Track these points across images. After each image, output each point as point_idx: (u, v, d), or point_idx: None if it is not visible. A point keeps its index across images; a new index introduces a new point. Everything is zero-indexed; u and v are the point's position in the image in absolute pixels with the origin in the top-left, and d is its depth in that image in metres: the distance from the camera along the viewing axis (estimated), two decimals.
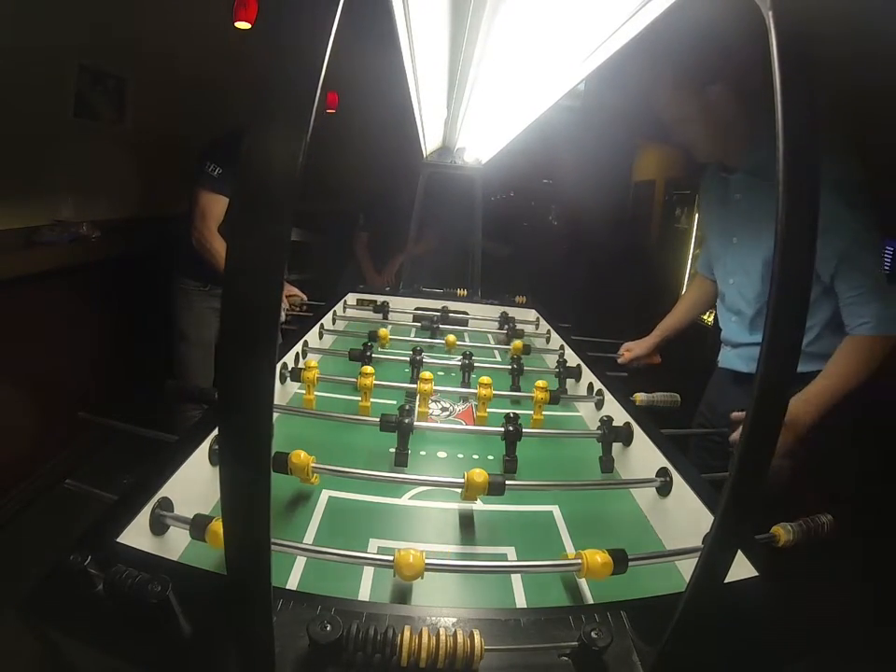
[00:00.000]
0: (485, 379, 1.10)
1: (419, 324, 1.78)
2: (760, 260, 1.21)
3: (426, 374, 1.09)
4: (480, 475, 0.72)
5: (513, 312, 1.92)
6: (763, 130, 1.16)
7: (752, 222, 1.22)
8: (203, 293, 1.97)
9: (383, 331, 1.49)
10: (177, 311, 1.99)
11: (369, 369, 1.10)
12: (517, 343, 1.52)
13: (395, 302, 1.91)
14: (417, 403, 1.10)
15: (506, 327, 1.76)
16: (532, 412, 1.12)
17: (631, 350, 1.57)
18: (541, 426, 1.10)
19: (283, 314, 1.70)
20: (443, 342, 1.52)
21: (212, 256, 1.77)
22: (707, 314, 2.45)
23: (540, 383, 1.11)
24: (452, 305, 1.91)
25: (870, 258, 1.09)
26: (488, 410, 1.12)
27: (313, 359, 1.17)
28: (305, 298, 1.90)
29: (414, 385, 1.17)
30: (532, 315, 1.93)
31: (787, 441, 1.07)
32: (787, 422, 1.10)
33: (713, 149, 1.24)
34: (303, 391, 1.11)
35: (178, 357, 2.01)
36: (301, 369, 1.11)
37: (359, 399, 1.09)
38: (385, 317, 1.85)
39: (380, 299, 1.89)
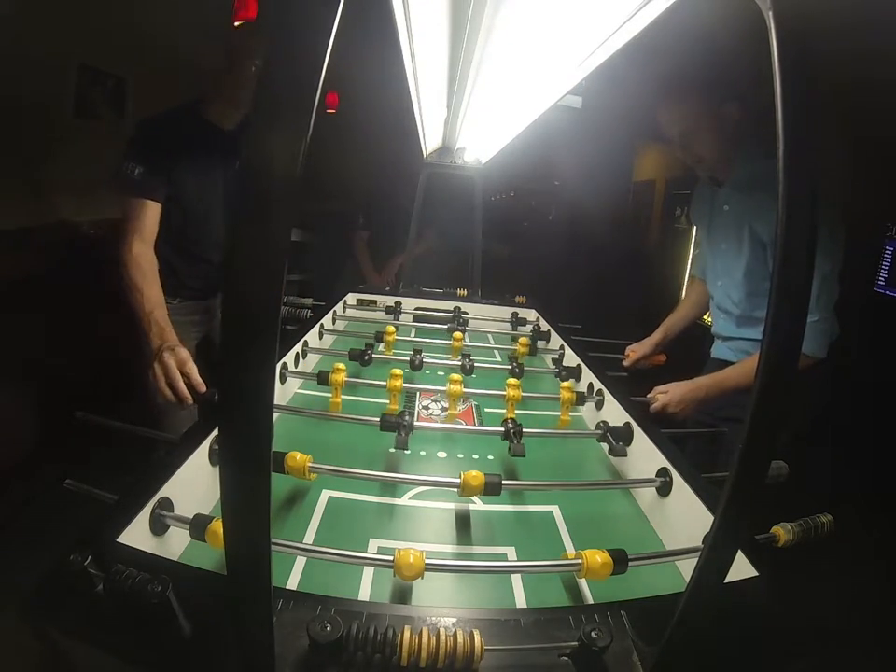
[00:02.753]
0: (513, 381, 1.09)
1: (437, 325, 1.77)
2: (742, 267, 1.28)
3: (455, 376, 1.08)
4: (476, 476, 0.72)
5: (512, 312, 1.93)
6: (751, 146, 1.23)
7: (737, 231, 1.28)
8: (172, 306, 1.49)
9: (390, 328, 1.47)
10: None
11: (398, 371, 1.07)
12: (523, 339, 1.52)
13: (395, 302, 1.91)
14: (448, 405, 1.08)
15: (531, 329, 1.77)
16: (535, 411, 1.12)
17: (636, 351, 1.58)
18: (568, 426, 1.10)
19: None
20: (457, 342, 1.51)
21: (125, 285, 1.28)
22: (709, 315, 2.47)
23: (566, 384, 1.12)
24: (452, 305, 1.91)
25: (837, 288, 1.18)
26: (488, 410, 1.11)
27: (341, 363, 1.11)
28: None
29: (414, 386, 1.17)
30: (532, 315, 1.94)
31: (694, 398, 1.23)
32: (701, 385, 1.24)
33: (715, 163, 1.30)
34: (306, 391, 1.11)
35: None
36: (328, 372, 1.09)
37: (362, 398, 1.10)
38: (397, 318, 1.84)
39: (391, 300, 1.89)
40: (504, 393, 1.06)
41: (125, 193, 1.34)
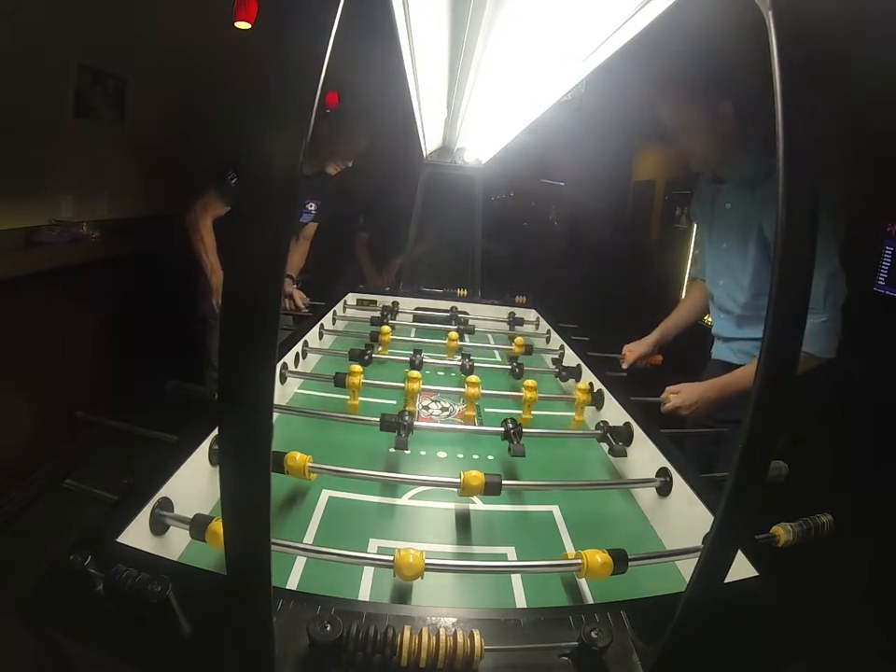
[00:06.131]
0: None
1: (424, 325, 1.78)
2: (748, 267, 1.26)
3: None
4: (476, 476, 0.72)
5: (509, 312, 1.92)
6: (753, 142, 1.21)
7: (740, 230, 1.26)
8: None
9: (385, 328, 1.48)
10: (200, 299, 2.07)
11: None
12: (518, 339, 1.52)
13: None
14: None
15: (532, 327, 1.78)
16: (535, 411, 1.11)
17: (633, 351, 1.57)
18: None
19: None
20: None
21: (197, 238, 1.87)
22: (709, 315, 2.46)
23: (582, 385, 1.12)
24: (451, 305, 1.91)
25: (845, 286, 1.14)
26: (488, 410, 1.11)
27: (357, 366, 1.14)
28: (307, 298, 2.00)
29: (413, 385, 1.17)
30: (532, 314, 1.94)
31: (706, 399, 1.22)
32: (714, 387, 1.21)
33: (709, 160, 1.29)
34: (306, 391, 1.11)
35: (204, 342, 2.10)
36: (345, 374, 1.09)
37: (362, 399, 1.09)
38: (393, 318, 1.82)
39: (388, 300, 1.89)
40: (504, 393, 1.06)
41: (218, 191, 1.83)
